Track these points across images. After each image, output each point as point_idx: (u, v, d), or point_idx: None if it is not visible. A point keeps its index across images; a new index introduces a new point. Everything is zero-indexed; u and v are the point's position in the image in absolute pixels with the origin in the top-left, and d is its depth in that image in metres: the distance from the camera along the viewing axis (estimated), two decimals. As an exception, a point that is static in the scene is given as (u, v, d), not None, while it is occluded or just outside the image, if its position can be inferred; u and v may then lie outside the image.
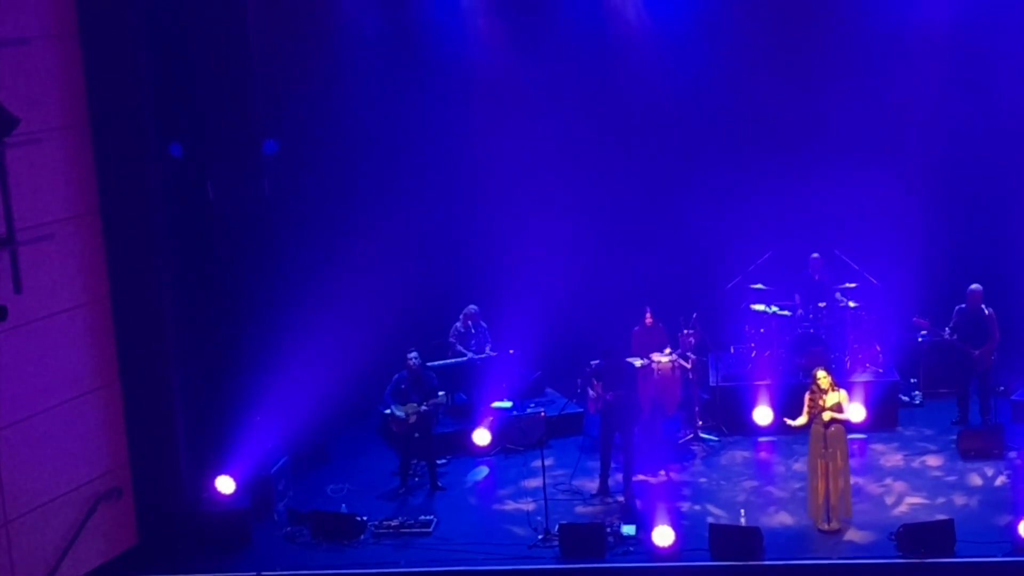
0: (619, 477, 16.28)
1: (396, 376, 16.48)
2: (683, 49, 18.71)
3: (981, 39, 18.26)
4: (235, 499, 15.82)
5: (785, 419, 15.92)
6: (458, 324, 18.22)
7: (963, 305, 16.94)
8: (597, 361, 16.28)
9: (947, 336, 16.97)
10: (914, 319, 17.33)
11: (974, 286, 16.92)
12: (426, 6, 18.82)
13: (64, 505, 14.52)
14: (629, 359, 17.49)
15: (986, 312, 16.83)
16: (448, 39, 18.83)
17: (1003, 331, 16.97)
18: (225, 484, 15.79)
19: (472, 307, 18.26)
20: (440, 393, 16.70)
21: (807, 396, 14.98)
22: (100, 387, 14.97)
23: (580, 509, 15.87)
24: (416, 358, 16.45)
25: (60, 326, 14.44)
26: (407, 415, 16.33)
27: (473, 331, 18.19)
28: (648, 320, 17.93)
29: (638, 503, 15.81)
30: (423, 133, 18.91)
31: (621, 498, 15.99)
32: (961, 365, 17.07)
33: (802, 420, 15.01)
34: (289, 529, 15.79)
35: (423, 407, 16.40)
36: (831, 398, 14.83)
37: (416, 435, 16.44)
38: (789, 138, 18.99)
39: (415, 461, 16.77)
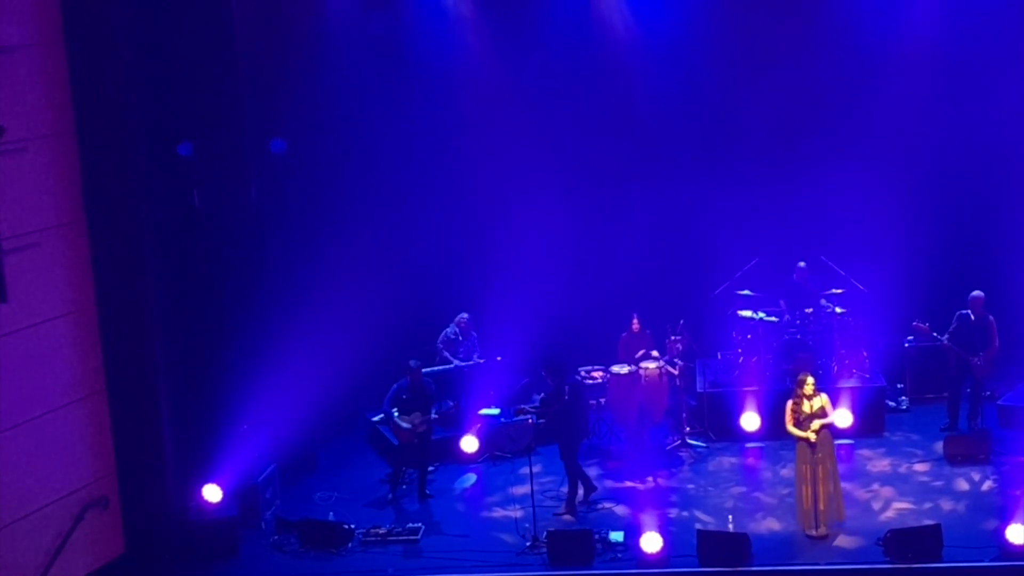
0: (609, 483, 16.32)
1: (396, 386, 16.44)
2: (669, 56, 18.72)
3: (970, 44, 18.27)
4: (222, 508, 15.77)
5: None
6: (449, 330, 18.19)
7: (964, 311, 16.94)
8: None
9: (945, 341, 16.98)
10: (915, 323, 17.32)
11: (976, 292, 16.89)
12: (413, 11, 18.80)
13: (51, 514, 14.46)
14: (617, 366, 17.59)
15: (989, 318, 16.84)
16: (434, 45, 18.80)
17: (992, 337, 17.06)
18: (212, 493, 15.74)
19: (464, 315, 18.24)
20: (450, 403, 16.76)
21: (790, 403, 14.96)
22: (87, 396, 14.92)
23: (568, 516, 15.86)
24: (419, 366, 16.46)
25: (46, 335, 14.40)
26: (414, 425, 16.30)
27: (463, 338, 18.17)
28: (635, 327, 17.97)
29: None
30: (411, 140, 18.88)
31: (609, 504, 16.00)
32: (958, 370, 17.06)
33: (811, 434, 14.77)
34: (277, 538, 15.76)
35: (435, 415, 16.40)
36: (815, 403, 14.84)
37: (416, 442, 16.42)
38: (776, 144, 19.00)
39: (407, 469, 16.74)
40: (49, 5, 14.33)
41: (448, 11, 18.80)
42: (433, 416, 16.46)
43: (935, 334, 17.00)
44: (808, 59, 18.58)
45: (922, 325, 17.18)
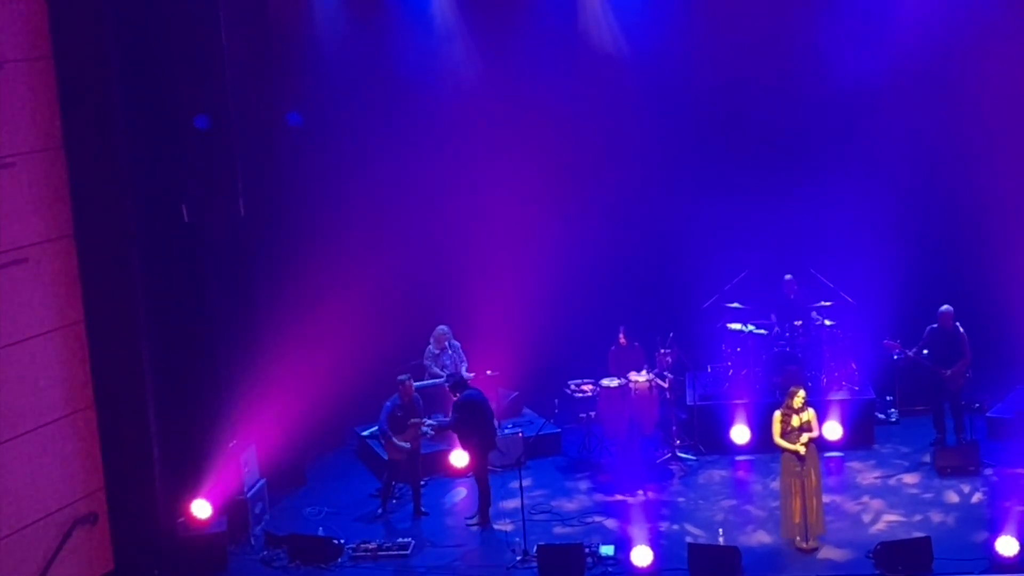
0: (599, 496, 16.31)
1: (389, 404, 16.34)
2: (658, 69, 18.75)
3: (956, 63, 18.30)
4: (211, 523, 15.73)
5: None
6: (430, 346, 18.16)
7: (934, 325, 17.01)
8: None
9: (912, 355, 17.01)
10: (884, 341, 17.37)
11: (945, 307, 16.98)
12: (400, 22, 18.80)
13: (40, 530, 14.42)
14: (607, 379, 17.55)
15: (959, 331, 16.89)
16: (421, 56, 18.78)
17: (976, 348, 17.04)
18: (201, 508, 15.70)
19: (441, 327, 18.19)
20: (431, 420, 16.79)
21: (779, 415, 14.97)
22: (75, 412, 14.89)
23: (558, 530, 15.85)
24: (409, 381, 16.43)
25: (35, 350, 14.37)
26: (411, 442, 16.26)
27: (449, 351, 18.14)
28: (622, 340, 17.98)
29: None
30: (398, 154, 18.85)
31: (599, 518, 16.00)
32: (933, 385, 17.13)
33: (800, 447, 14.82)
34: (266, 553, 15.73)
35: (427, 429, 16.35)
36: (803, 416, 14.86)
37: (408, 459, 16.39)
38: (765, 157, 19.04)
39: (400, 484, 16.71)
40: (38, 20, 14.34)
41: (434, 20, 18.80)
42: (427, 430, 16.43)
43: (917, 348, 17.03)
44: (798, 74, 18.63)
45: (892, 343, 17.24)
